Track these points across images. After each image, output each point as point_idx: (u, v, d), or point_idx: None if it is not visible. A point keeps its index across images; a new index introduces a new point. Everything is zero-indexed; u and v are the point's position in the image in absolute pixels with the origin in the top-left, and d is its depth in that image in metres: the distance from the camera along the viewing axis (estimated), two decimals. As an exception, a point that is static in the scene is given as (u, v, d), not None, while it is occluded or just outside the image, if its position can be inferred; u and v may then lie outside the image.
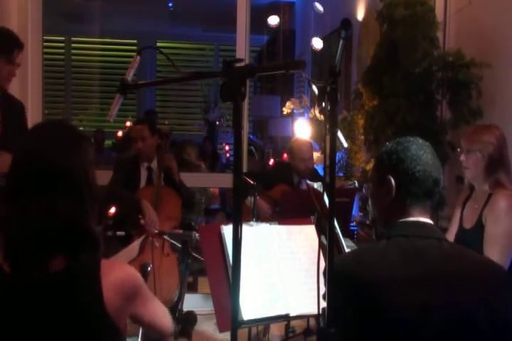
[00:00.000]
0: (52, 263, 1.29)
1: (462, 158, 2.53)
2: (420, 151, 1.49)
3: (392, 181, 1.48)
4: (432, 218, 1.50)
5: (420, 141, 1.54)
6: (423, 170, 1.46)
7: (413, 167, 1.46)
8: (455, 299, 1.36)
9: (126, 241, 3.49)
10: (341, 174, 5.21)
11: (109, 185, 3.81)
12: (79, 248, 1.31)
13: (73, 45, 9.82)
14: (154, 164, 3.94)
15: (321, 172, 4.48)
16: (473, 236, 2.47)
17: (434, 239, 1.44)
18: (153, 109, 8.79)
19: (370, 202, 1.57)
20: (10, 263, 1.29)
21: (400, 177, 1.47)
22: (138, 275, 1.39)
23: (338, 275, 1.36)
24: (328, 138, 1.32)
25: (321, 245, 1.57)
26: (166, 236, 3.26)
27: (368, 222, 3.98)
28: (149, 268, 2.87)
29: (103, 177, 3.87)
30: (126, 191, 3.84)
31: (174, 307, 3.53)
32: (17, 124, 2.94)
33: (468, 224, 2.56)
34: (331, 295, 1.26)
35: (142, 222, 3.63)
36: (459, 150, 2.58)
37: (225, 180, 4.76)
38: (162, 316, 1.51)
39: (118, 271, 1.34)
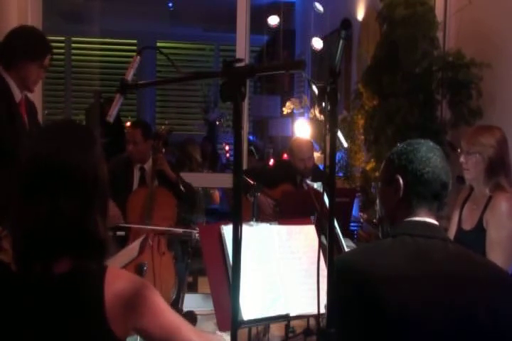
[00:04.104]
0: (58, 265, 1.28)
1: (462, 159, 2.52)
2: (430, 154, 1.50)
3: (401, 181, 1.49)
4: (437, 219, 1.51)
5: (431, 143, 1.55)
6: (432, 172, 1.47)
7: (422, 168, 1.48)
8: (458, 299, 1.36)
9: (125, 241, 3.49)
10: (341, 174, 5.21)
11: None
12: (86, 251, 1.30)
13: (73, 45, 9.81)
14: (148, 164, 3.93)
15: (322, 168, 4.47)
16: (473, 238, 2.46)
17: (439, 240, 1.45)
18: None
19: (377, 201, 1.58)
20: (16, 262, 1.29)
21: (408, 177, 1.49)
22: (145, 287, 1.32)
23: (341, 271, 1.38)
24: (328, 138, 1.33)
25: (321, 245, 1.57)
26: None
27: (374, 220, 3.98)
28: (145, 268, 2.88)
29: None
30: None
31: (173, 307, 3.53)
32: (35, 122, 3.00)
33: (467, 226, 2.55)
34: (331, 294, 1.26)
35: None
36: (459, 151, 2.57)
37: (225, 180, 4.75)
38: (187, 332, 1.36)
39: (122, 281, 1.30)
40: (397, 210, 1.51)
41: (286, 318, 2.12)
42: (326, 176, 1.31)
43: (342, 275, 1.37)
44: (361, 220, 4.75)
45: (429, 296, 1.35)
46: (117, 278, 1.31)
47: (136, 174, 3.95)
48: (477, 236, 2.45)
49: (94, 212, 1.31)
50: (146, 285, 1.34)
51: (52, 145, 1.32)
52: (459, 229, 2.58)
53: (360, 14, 5.74)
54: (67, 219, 1.27)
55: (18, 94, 2.85)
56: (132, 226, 3.57)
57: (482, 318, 1.35)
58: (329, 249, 1.28)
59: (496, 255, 2.36)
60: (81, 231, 1.29)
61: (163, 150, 4.05)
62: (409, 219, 1.49)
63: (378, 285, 1.35)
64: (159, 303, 1.34)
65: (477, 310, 1.36)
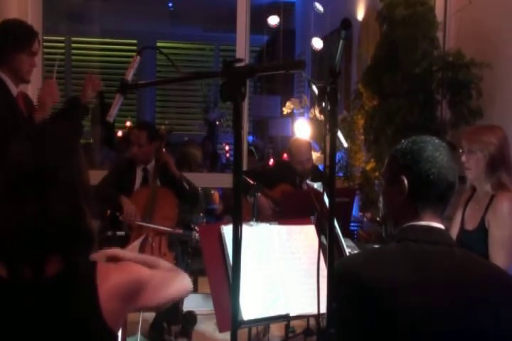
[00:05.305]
0: (48, 266, 1.27)
1: (463, 158, 2.52)
2: (436, 153, 1.43)
3: (405, 182, 1.43)
4: (442, 221, 1.46)
5: (437, 141, 1.47)
6: (438, 172, 1.41)
7: (428, 169, 1.41)
8: (463, 305, 1.34)
9: (126, 241, 3.49)
10: (341, 174, 5.21)
11: (98, 184, 3.79)
12: (75, 247, 1.29)
13: (73, 45, 9.81)
14: (151, 165, 3.93)
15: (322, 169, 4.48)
16: (475, 238, 2.46)
17: (445, 245, 1.41)
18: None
19: (380, 199, 1.53)
20: (5, 266, 1.26)
21: (413, 178, 1.42)
22: (137, 273, 1.35)
23: (345, 276, 1.36)
24: (328, 138, 1.32)
25: (321, 245, 1.57)
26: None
27: (378, 219, 3.98)
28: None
29: (100, 177, 3.87)
30: (111, 190, 3.81)
31: (174, 307, 3.53)
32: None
33: (469, 226, 2.54)
34: (331, 296, 1.26)
35: (120, 217, 3.64)
36: (461, 151, 2.56)
37: (225, 180, 4.75)
38: (174, 286, 1.48)
39: (114, 276, 1.31)
40: (401, 211, 1.46)
41: (286, 318, 2.12)
42: (326, 176, 1.31)
43: (343, 276, 1.36)
44: (364, 220, 4.76)
45: (430, 297, 1.34)
46: (108, 274, 1.30)
47: (139, 174, 3.95)
48: (479, 236, 2.45)
49: (81, 209, 1.31)
50: (136, 272, 1.35)
51: (35, 145, 1.31)
52: (462, 229, 2.57)
53: (360, 14, 5.74)
54: (54, 218, 1.26)
55: (14, 89, 2.85)
56: (136, 223, 3.59)
57: (483, 319, 1.34)
58: (329, 248, 1.28)
59: (498, 255, 2.37)
60: (69, 228, 1.29)
61: (164, 150, 4.05)
62: (414, 223, 1.44)
63: (379, 289, 1.33)
64: (150, 281, 1.37)
65: (478, 311, 1.34)
